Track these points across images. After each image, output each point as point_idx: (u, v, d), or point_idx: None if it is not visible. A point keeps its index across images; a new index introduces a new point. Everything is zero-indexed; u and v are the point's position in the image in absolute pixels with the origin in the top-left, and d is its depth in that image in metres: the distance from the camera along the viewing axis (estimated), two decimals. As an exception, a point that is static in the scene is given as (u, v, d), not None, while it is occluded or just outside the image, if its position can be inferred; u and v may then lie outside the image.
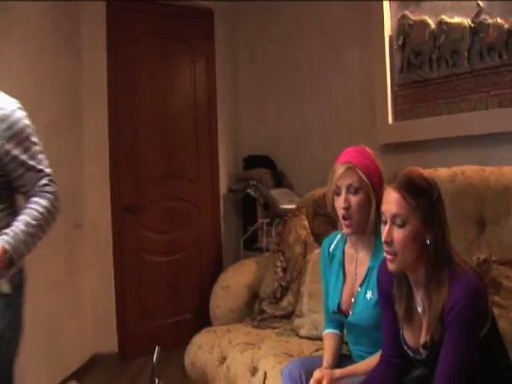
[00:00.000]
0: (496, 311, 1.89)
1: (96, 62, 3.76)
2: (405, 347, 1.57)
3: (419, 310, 1.52)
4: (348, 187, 1.80)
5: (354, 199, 1.79)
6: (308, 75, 3.83)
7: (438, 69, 2.98)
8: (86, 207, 3.79)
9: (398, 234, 1.43)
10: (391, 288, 1.58)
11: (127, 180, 3.87)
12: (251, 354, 2.35)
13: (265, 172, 3.82)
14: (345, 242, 1.96)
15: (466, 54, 2.84)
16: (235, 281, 2.93)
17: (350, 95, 3.55)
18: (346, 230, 1.83)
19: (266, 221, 3.55)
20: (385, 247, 1.47)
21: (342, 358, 1.91)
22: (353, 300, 1.86)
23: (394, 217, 1.44)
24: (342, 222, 1.82)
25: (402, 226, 1.43)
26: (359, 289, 1.86)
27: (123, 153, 3.85)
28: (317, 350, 2.21)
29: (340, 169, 1.81)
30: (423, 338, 1.50)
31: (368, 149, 1.87)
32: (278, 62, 4.05)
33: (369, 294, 1.81)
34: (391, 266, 1.47)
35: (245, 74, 4.31)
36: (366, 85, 3.39)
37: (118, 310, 3.86)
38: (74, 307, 3.64)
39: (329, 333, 1.97)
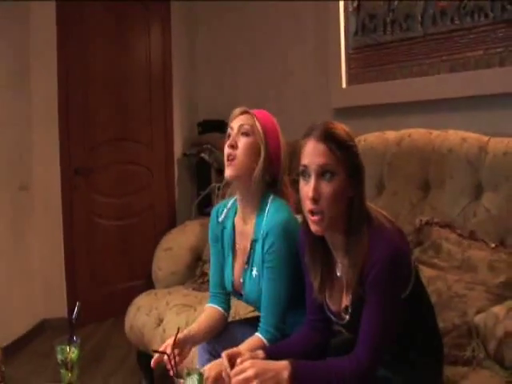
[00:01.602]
0: (434, 273, 1.90)
1: (45, 22, 3.59)
2: (328, 313, 1.50)
3: (338, 273, 1.44)
4: (239, 128, 1.66)
5: (243, 140, 1.65)
6: (264, 39, 3.75)
7: (392, 32, 2.91)
8: (33, 169, 3.66)
9: (326, 188, 1.31)
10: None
11: (78, 142, 3.75)
12: (186, 315, 2.32)
13: (219, 136, 3.72)
14: (235, 214, 1.79)
15: (419, 18, 2.78)
16: (178, 243, 2.88)
17: (304, 59, 3.48)
18: (227, 171, 1.66)
19: (218, 185, 3.46)
20: (310, 205, 1.33)
21: None
22: (241, 280, 1.73)
23: (321, 168, 1.32)
24: (226, 164, 1.66)
25: (330, 178, 1.32)
26: (246, 266, 1.72)
27: (74, 115, 3.72)
28: (252, 311, 2.12)
29: (236, 111, 1.70)
30: (344, 301, 1.43)
31: (274, 118, 1.74)
32: (234, 25, 3.95)
33: (254, 271, 1.69)
34: (317, 228, 1.34)
35: (201, 37, 4.21)
36: (320, 49, 3.32)
37: (68, 276, 3.77)
38: (21, 271, 3.54)
39: (207, 307, 1.83)
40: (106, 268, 3.83)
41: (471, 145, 2.12)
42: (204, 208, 3.68)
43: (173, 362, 1.44)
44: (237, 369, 1.31)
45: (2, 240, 3.33)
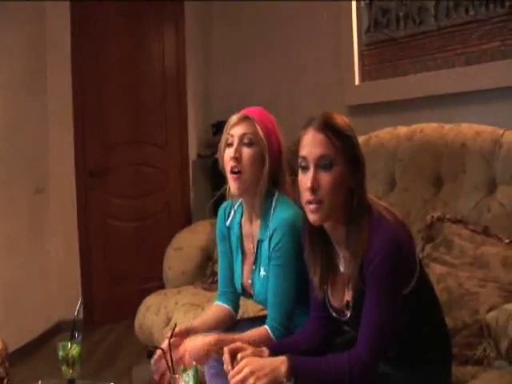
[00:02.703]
0: (446, 270, 1.84)
1: (59, 22, 3.66)
2: (330, 310, 1.46)
3: (341, 268, 1.40)
4: (241, 138, 1.61)
5: (247, 151, 1.60)
6: (278, 37, 3.72)
7: (404, 27, 2.84)
8: (49, 171, 3.71)
9: (325, 178, 1.30)
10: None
11: (93, 144, 3.80)
12: (194, 314, 2.31)
13: (234, 138, 3.72)
14: (241, 215, 1.77)
15: (432, 11, 2.70)
16: (188, 242, 2.86)
17: (318, 56, 3.44)
18: (233, 186, 1.61)
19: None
20: (308, 196, 1.31)
21: None
22: (249, 281, 1.72)
23: (319, 159, 1.30)
24: (230, 177, 1.61)
25: (328, 168, 1.29)
26: (253, 267, 1.69)
27: (88, 116, 3.77)
28: (262, 310, 2.07)
29: (235, 118, 1.64)
30: (346, 297, 1.39)
31: (271, 115, 1.70)
32: (248, 24, 3.92)
33: (261, 271, 1.66)
34: (315, 217, 1.31)
35: (216, 37, 4.18)
36: (333, 45, 3.28)
37: (84, 277, 3.82)
38: (37, 273, 3.58)
39: (214, 304, 1.82)
40: (122, 269, 3.84)
41: (485, 138, 2.06)
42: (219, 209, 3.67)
43: (168, 357, 1.42)
44: (234, 370, 1.30)
45: (18, 241, 3.38)
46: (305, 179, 1.32)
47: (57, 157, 3.71)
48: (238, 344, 1.40)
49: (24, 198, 3.46)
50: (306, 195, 1.32)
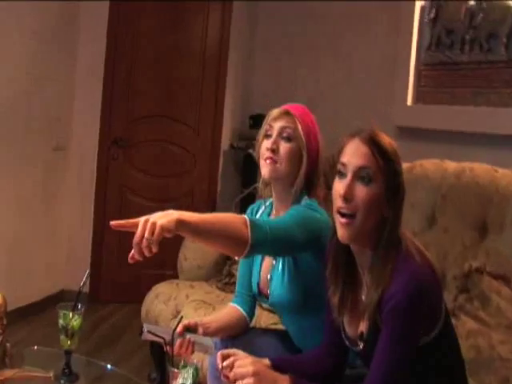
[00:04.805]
0: (477, 326, 1.79)
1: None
2: (343, 336, 1.43)
3: (363, 296, 1.36)
4: (281, 131, 1.62)
5: (285, 146, 1.61)
6: (329, 37, 3.66)
7: (470, 52, 2.78)
8: (71, 131, 3.67)
9: (361, 190, 1.27)
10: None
11: (120, 112, 3.75)
12: (204, 312, 2.30)
13: (271, 134, 3.68)
14: (269, 214, 1.76)
15: (504, 40, 2.62)
16: (210, 236, 2.85)
17: (370, 67, 3.39)
18: (265, 169, 1.61)
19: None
20: (340, 203, 1.27)
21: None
22: (268, 276, 1.69)
23: (360, 169, 1.27)
24: (263, 163, 1.61)
25: (367, 182, 1.26)
26: (274, 262, 1.67)
27: (119, 80, 3.72)
28: (275, 324, 2.10)
29: (276, 111, 1.64)
30: (361, 327, 1.36)
31: (312, 115, 1.70)
32: (299, 17, 3.84)
33: (280, 266, 1.64)
34: (344, 233, 1.28)
35: (262, 25, 4.09)
36: (389, 58, 3.22)
37: (94, 249, 3.79)
38: (47, 236, 3.58)
39: (229, 305, 1.81)
40: (133, 250, 3.81)
41: (541, 191, 2.01)
42: (246, 207, 3.63)
43: (169, 349, 1.43)
44: (238, 362, 1.30)
45: (31, 200, 3.36)
46: (340, 186, 1.30)
47: (81, 117, 3.67)
48: (232, 350, 1.39)
49: (42, 156, 3.43)
50: (338, 202, 1.29)
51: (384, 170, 1.28)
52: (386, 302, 1.24)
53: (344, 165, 1.30)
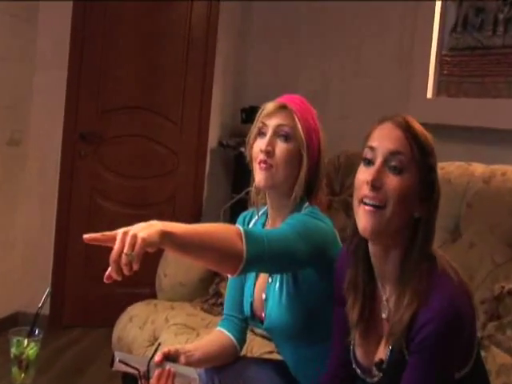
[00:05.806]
0: (510, 360, 1.77)
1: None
2: (354, 364, 1.41)
3: (383, 315, 1.35)
4: (276, 129, 1.62)
5: (282, 146, 1.61)
6: (336, 22, 3.70)
7: (504, 34, 2.80)
8: (29, 122, 3.66)
9: (392, 179, 1.26)
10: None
11: (88, 102, 3.76)
12: (186, 338, 2.32)
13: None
14: (263, 225, 1.78)
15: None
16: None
17: (382, 56, 3.42)
18: (259, 176, 1.62)
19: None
20: (365, 191, 1.26)
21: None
22: (263, 296, 1.70)
23: (391, 155, 1.26)
24: (257, 166, 1.62)
25: (397, 172, 1.26)
26: (270, 280, 1.68)
27: (88, 65, 3.74)
28: (270, 353, 2.12)
29: (271, 106, 1.64)
30: (380, 354, 1.34)
31: (313, 108, 1.70)
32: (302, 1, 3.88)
33: (277, 284, 1.65)
34: (369, 221, 1.25)
35: (259, 8, 4.14)
36: (404, 43, 3.26)
37: (57, 263, 3.79)
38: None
39: (216, 330, 1.81)
40: (106, 263, 3.78)
41: None
42: (236, 215, 3.64)
43: (145, 383, 1.46)
44: None
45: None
46: (366, 174, 1.28)
47: (41, 106, 3.66)
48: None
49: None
50: (364, 190, 1.27)
51: (418, 160, 1.28)
52: (418, 330, 1.23)
53: (373, 149, 1.30)
